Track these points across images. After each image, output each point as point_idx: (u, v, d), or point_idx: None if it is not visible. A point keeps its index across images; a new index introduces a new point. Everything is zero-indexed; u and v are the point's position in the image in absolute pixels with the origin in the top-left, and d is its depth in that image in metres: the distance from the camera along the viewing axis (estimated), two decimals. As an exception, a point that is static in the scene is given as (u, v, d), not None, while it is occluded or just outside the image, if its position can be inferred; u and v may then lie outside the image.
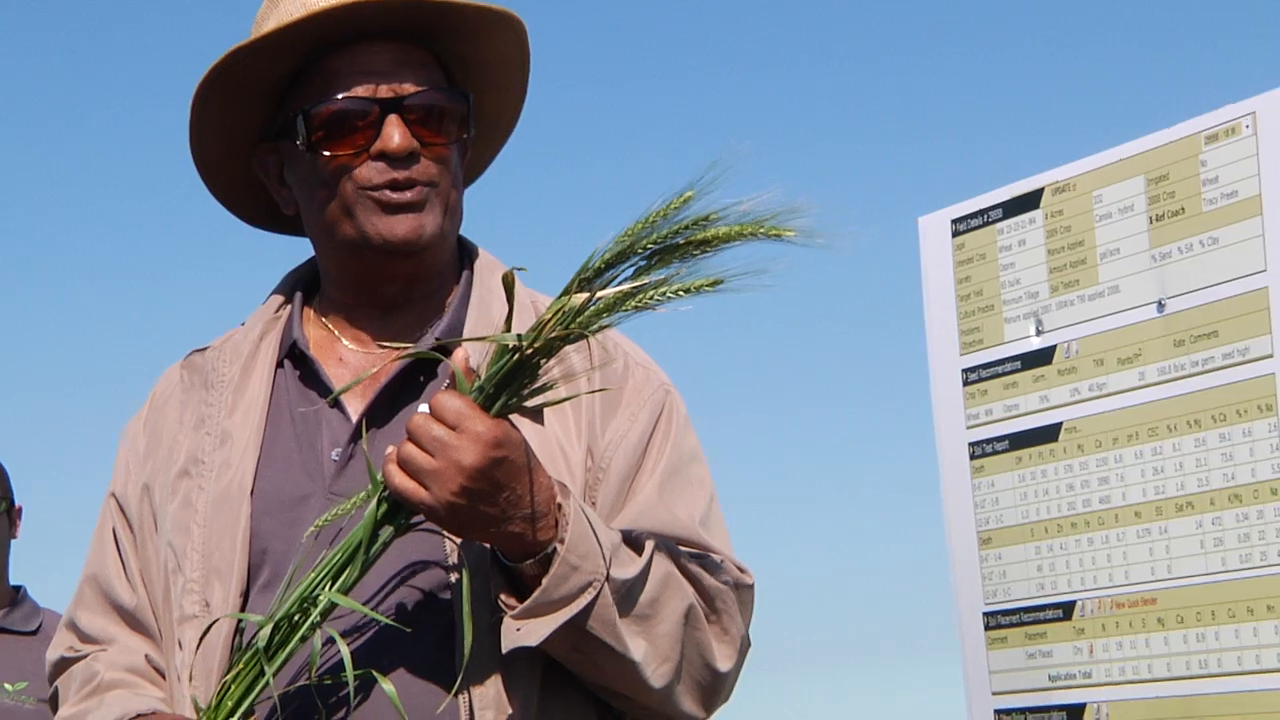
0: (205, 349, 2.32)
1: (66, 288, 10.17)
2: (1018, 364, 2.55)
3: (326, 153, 2.15)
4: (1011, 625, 2.54)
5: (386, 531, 1.97)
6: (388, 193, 2.13)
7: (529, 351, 1.91)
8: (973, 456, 2.60)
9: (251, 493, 2.15)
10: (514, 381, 1.92)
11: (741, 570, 2.14)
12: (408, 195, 2.12)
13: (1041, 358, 2.52)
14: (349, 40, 2.16)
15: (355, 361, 2.22)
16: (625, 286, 1.87)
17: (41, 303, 10.14)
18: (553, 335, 1.89)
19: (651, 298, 1.87)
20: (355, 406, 2.19)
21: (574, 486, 2.07)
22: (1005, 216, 2.58)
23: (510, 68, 2.25)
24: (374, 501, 1.96)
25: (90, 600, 2.27)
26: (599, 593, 1.94)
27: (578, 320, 1.89)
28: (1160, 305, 2.38)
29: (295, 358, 2.25)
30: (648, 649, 2.00)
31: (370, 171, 2.12)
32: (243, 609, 2.13)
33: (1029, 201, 2.55)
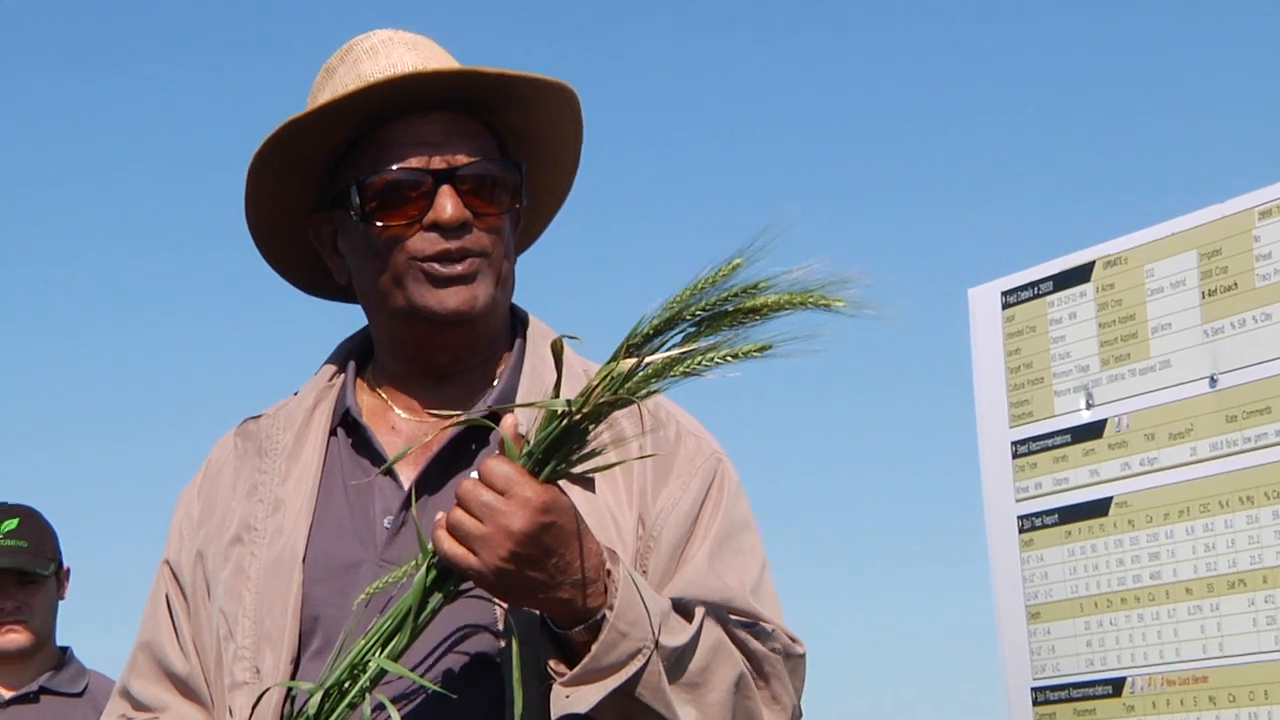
0: (259, 416, 2.33)
1: (117, 349, 10.23)
2: (1068, 437, 2.54)
3: (379, 223, 2.17)
4: (1060, 701, 2.53)
5: (436, 598, 1.98)
6: (437, 266, 2.14)
7: (578, 417, 1.91)
8: (1021, 530, 2.59)
9: (304, 560, 2.16)
10: (562, 447, 1.92)
11: (793, 639, 2.13)
12: (458, 268, 2.14)
13: (1092, 431, 2.51)
14: (403, 111, 2.18)
15: (407, 430, 2.23)
16: (673, 352, 1.87)
17: (91, 363, 10.21)
18: (601, 401, 1.89)
19: (699, 363, 1.87)
20: (407, 475, 2.19)
21: (625, 554, 2.07)
22: (1056, 289, 2.58)
23: (563, 139, 2.26)
24: (424, 568, 1.96)
25: (143, 668, 2.28)
26: (648, 660, 1.94)
27: (626, 386, 1.89)
28: (1212, 380, 2.37)
29: (348, 425, 2.26)
30: (697, 717, 1.99)
31: (422, 242, 2.14)
32: (293, 676, 2.13)
33: (1080, 275, 2.55)
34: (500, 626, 2.06)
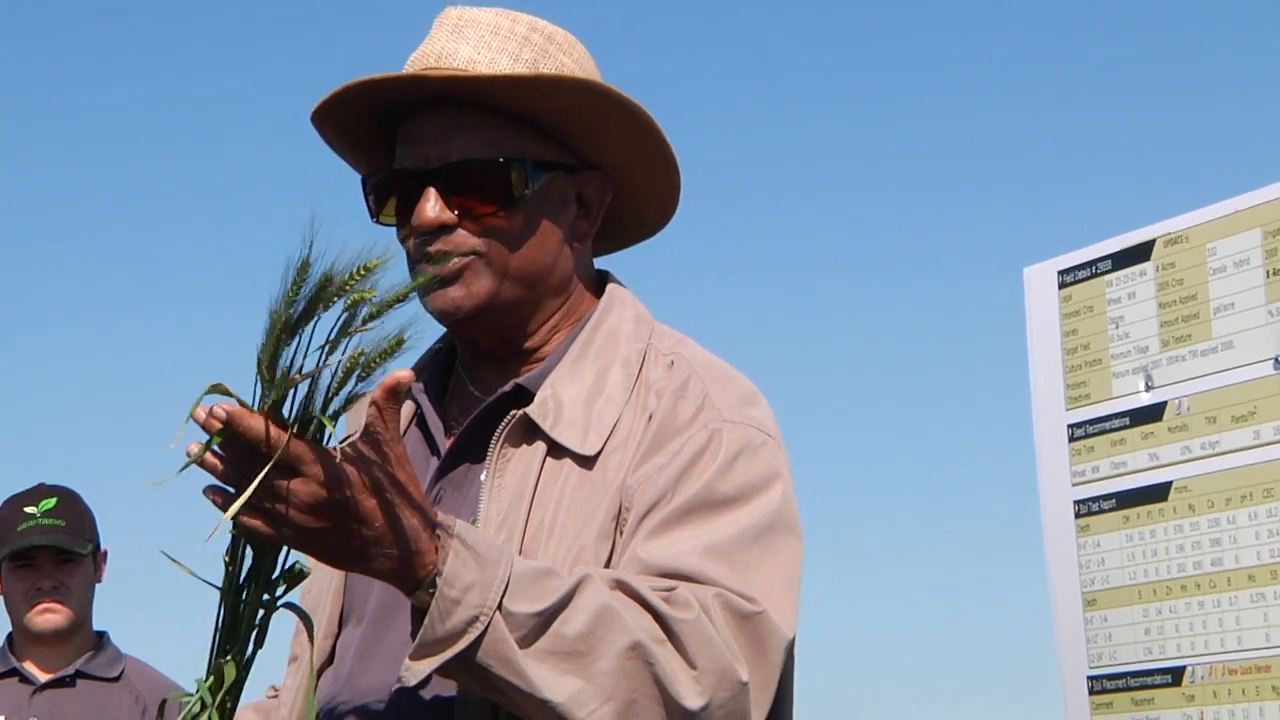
0: None
1: (164, 329, 10.18)
2: (1126, 420, 2.50)
3: (381, 223, 2.18)
4: (1118, 690, 2.48)
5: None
6: (426, 267, 2.11)
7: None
8: (1078, 515, 2.54)
9: None
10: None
11: (747, 599, 1.97)
12: (440, 269, 2.09)
13: (1151, 414, 2.47)
14: (416, 105, 2.13)
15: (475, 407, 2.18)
16: (312, 370, 1.82)
17: (132, 342, 10.17)
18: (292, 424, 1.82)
19: (353, 371, 1.83)
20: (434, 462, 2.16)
21: (595, 525, 2.01)
22: (1115, 268, 2.54)
23: (606, 124, 2.14)
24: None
25: None
26: (486, 627, 1.85)
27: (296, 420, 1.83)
28: (1277, 362, 2.32)
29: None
30: (583, 686, 1.88)
31: (413, 244, 2.13)
32: (332, 651, 2.14)
33: (1140, 253, 2.51)
34: None
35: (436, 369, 2.25)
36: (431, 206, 2.10)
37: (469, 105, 2.12)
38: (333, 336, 1.83)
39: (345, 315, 1.83)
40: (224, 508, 1.81)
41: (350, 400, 1.84)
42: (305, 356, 1.83)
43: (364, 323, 1.83)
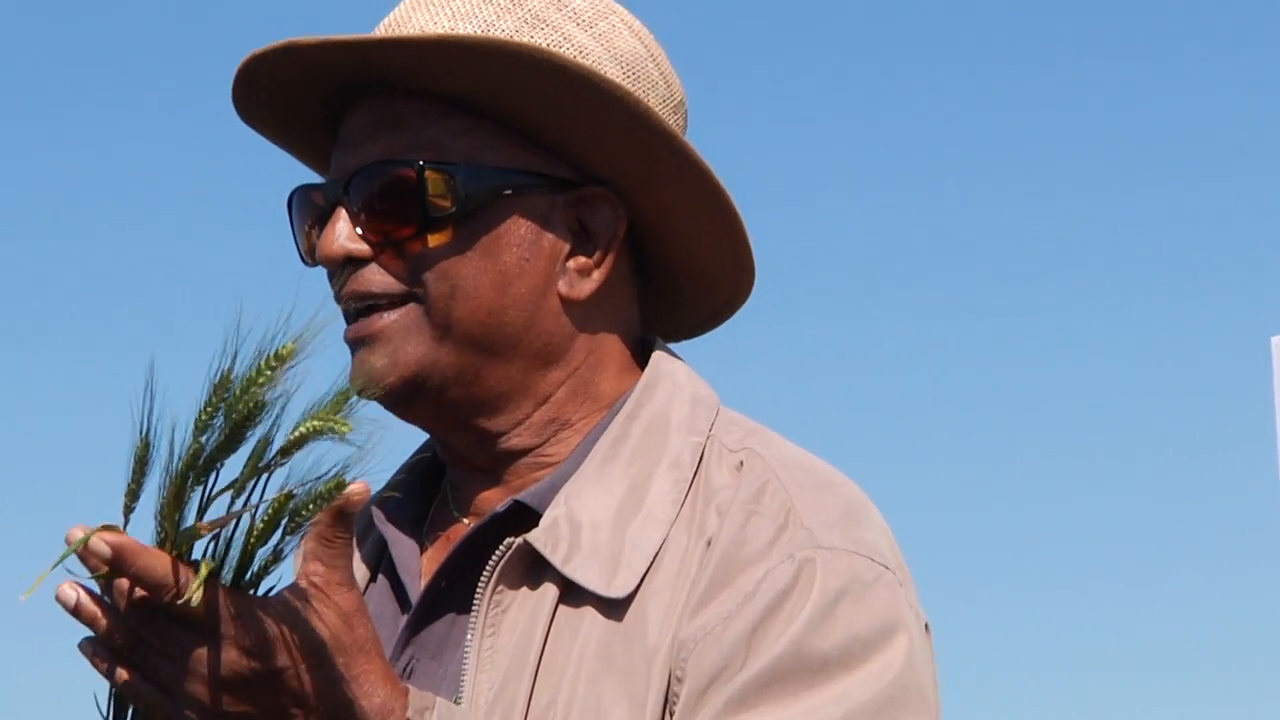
0: None
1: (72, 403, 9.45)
2: (1403, 522, 2.19)
3: (302, 258, 1.73)
4: None
5: None
6: (345, 323, 1.66)
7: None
8: None
9: None
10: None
11: None
12: (355, 329, 1.65)
13: None
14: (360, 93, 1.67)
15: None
16: (222, 518, 1.45)
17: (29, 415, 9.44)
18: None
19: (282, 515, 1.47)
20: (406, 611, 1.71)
21: (629, 707, 1.55)
22: None
23: (567, 113, 1.64)
24: None
25: None
26: None
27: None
28: None
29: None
30: None
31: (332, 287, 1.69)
32: None
33: None
34: None
35: (415, 487, 1.76)
36: (338, 232, 1.63)
37: (405, 94, 1.64)
38: (241, 475, 1.44)
39: (258, 446, 1.43)
40: (109, 674, 1.43)
41: (277, 556, 1.47)
42: (210, 499, 1.45)
43: (282, 455, 1.43)
